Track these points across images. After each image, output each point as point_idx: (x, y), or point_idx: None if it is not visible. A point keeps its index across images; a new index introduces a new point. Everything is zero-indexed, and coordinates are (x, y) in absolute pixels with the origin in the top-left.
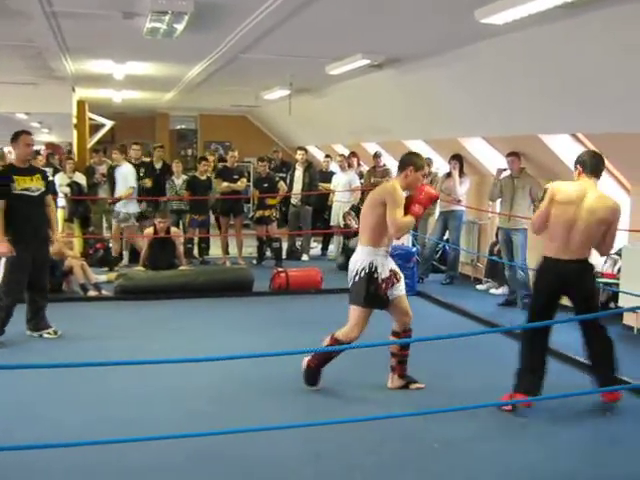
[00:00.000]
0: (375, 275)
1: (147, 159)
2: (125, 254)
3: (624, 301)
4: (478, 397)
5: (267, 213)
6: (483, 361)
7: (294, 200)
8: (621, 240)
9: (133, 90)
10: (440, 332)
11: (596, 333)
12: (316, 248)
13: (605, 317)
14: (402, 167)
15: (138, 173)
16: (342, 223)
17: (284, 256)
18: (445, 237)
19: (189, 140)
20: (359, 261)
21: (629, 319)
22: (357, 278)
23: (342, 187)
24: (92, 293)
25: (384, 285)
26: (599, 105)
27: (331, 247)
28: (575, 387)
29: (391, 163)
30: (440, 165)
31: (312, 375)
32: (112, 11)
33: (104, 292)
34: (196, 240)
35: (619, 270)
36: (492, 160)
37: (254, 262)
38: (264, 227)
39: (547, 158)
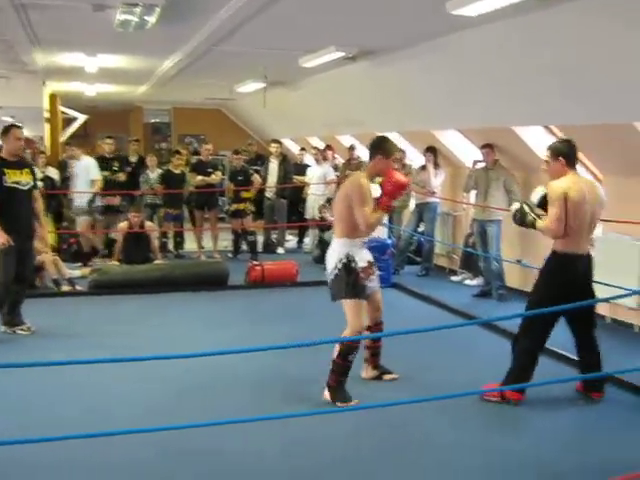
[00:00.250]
0: (352, 265)
1: (121, 153)
2: (102, 248)
3: (598, 292)
4: (457, 388)
5: (242, 206)
6: (459, 352)
7: (269, 193)
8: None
9: (106, 83)
10: (416, 323)
11: (590, 343)
12: (292, 241)
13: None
14: (371, 154)
15: (112, 167)
16: (317, 216)
17: (260, 249)
18: (420, 229)
19: (163, 133)
20: (335, 254)
21: (602, 309)
22: (337, 271)
23: (317, 180)
24: (65, 288)
25: (363, 274)
26: (572, 97)
27: (307, 240)
28: (554, 376)
29: (366, 155)
30: (415, 157)
31: (339, 392)
32: (81, 3)
33: (78, 287)
34: (171, 234)
35: None
36: (466, 152)
37: (230, 255)
38: (239, 220)
39: (520, 150)
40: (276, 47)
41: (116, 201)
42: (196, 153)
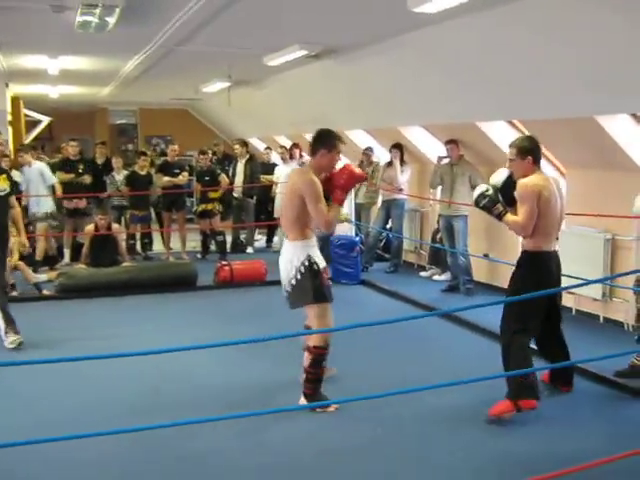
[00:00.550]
0: (315, 267)
1: (86, 155)
2: (66, 252)
3: (563, 284)
4: (424, 381)
5: (210, 207)
6: (420, 345)
7: (236, 193)
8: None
9: (69, 85)
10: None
11: (559, 337)
12: (261, 240)
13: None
14: (313, 150)
15: (77, 169)
16: None
17: (229, 249)
18: (388, 226)
19: (129, 135)
20: (294, 259)
21: (568, 301)
22: (298, 276)
23: (285, 178)
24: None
25: (325, 275)
26: (534, 92)
27: (276, 239)
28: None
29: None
30: (381, 154)
31: (317, 399)
32: (40, 4)
33: (45, 292)
34: (138, 236)
35: None
36: (432, 148)
37: (199, 256)
38: (207, 221)
39: (484, 145)
40: (239, 46)
41: (82, 204)
42: (163, 154)
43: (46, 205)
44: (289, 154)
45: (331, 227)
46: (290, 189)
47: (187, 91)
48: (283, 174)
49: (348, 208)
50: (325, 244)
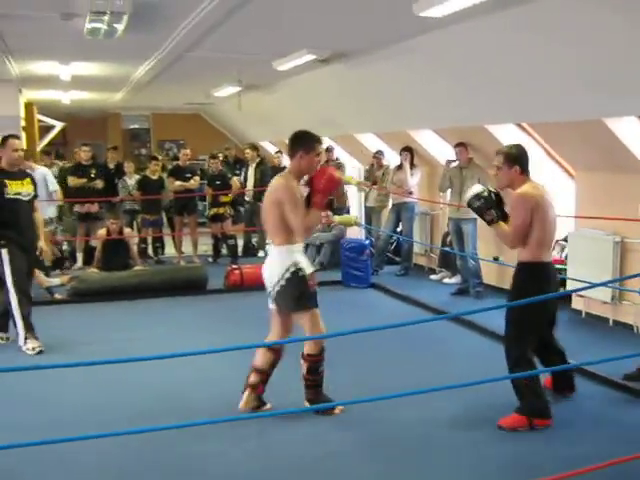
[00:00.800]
0: (301, 273)
1: (99, 160)
2: (79, 256)
3: (571, 287)
4: (429, 383)
5: (221, 210)
6: (430, 348)
7: (247, 197)
8: (568, 226)
9: (81, 90)
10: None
11: (556, 344)
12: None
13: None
14: (291, 152)
15: (89, 174)
16: None
17: (240, 253)
18: (398, 229)
19: (142, 139)
20: (279, 265)
21: (577, 303)
22: (284, 282)
23: None
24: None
25: (311, 281)
26: (543, 95)
27: None
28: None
29: (343, 157)
30: (391, 157)
31: (322, 403)
32: (49, 12)
33: (57, 295)
34: (150, 240)
35: (566, 256)
36: (442, 151)
37: (210, 260)
38: (219, 224)
39: (494, 148)
40: (248, 52)
41: (94, 208)
42: (176, 158)
43: (49, 210)
44: None
45: (308, 233)
46: (269, 195)
47: (198, 96)
48: None
49: (358, 211)
50: (335, 247)
